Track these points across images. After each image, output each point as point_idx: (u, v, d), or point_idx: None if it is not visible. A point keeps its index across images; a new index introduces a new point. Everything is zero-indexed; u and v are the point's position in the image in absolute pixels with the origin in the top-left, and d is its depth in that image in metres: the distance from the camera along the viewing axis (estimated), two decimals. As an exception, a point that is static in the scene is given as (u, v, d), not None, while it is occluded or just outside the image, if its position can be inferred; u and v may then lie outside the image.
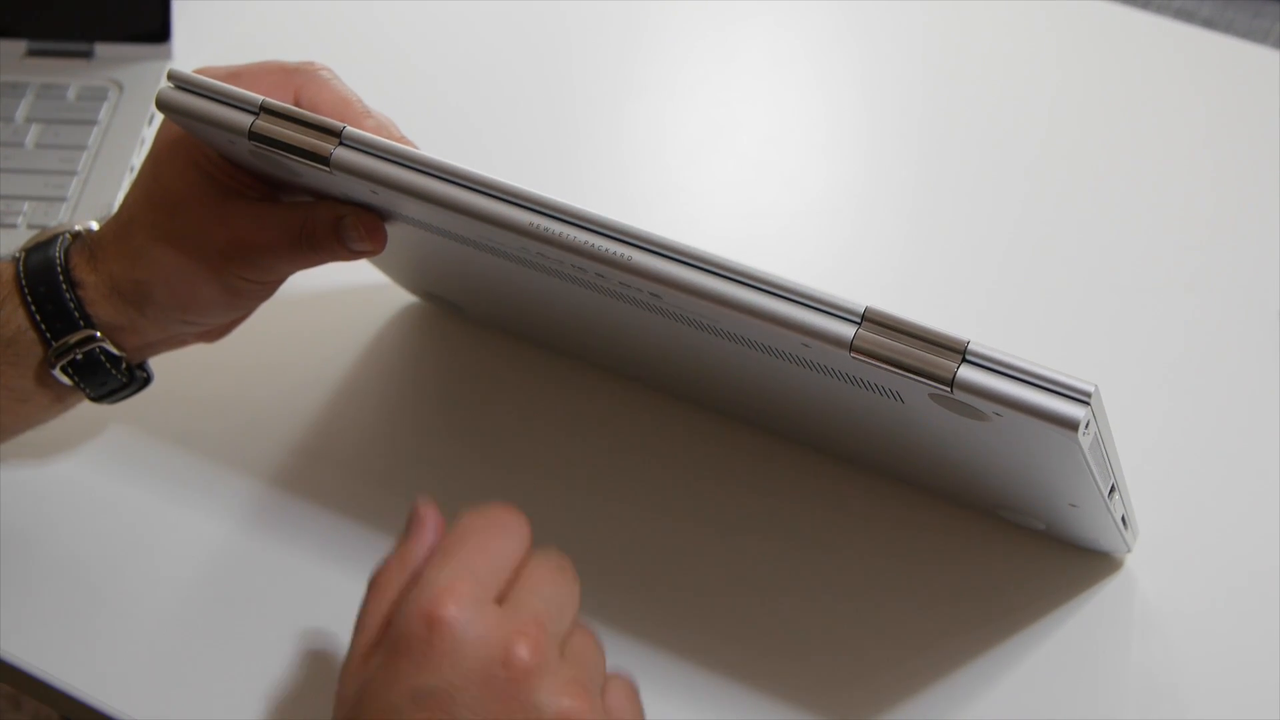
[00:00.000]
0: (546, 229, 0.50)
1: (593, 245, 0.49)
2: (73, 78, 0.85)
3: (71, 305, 0.59)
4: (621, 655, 0.61)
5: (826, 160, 0.84)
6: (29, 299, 0.59)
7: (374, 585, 0.51)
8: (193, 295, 0.59)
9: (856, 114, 0.87)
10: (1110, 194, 0.81)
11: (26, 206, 0.78)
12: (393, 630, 0.48)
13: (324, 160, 0.52)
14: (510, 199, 0.50)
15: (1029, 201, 0.81)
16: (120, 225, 0.59)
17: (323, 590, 0.64)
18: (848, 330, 0.47)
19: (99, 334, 0.59)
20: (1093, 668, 0.61)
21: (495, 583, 0.49)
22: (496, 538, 0.50)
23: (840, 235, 0.80)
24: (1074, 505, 0.57)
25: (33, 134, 0.82)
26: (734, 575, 0.64)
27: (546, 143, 0.84)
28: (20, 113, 0.83)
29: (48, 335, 0.59)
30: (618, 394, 0.70)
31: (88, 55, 0.86)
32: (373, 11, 0.92)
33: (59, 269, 0.59)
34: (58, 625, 0.63)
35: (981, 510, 0.65)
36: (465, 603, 0.47)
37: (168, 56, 0.86)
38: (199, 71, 0.55)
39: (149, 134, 0.82)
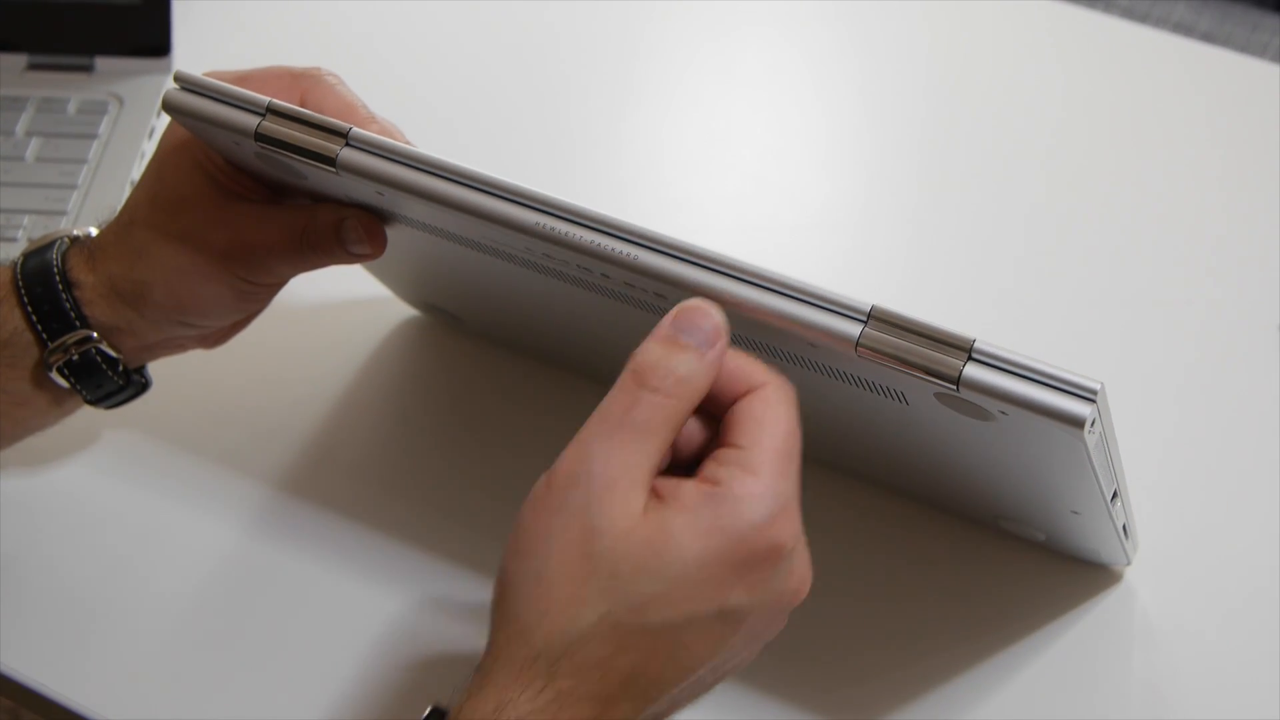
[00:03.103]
0: (552, 229, 0.50)
1: (598, 245, 0.49)
2: (73, 91, 0.85)
3: (68, 305, 0.59)
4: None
5: (827, 173, 0.84)
6: (25, 299, 0.59)
7: (642, 378, 0.46)
8: (192, 296, 0.58)
9: (857, 126, 0.87)
10: (1109, 208, 0.81)
11: (27, 220, 0.78)
12: (728, 528, 0.44)
13: (330, 161, 0.52)
14: (516, 199, 0.51)
15: (1028, 217, 0.81)
16: (121, 226, 0.60)
17: (326, 597, 0.64)
18: (854, 329, 0.47)
19: (95, 334, 0.59)
20: (1091, 679, 0.61)
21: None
22: (799, 444, 0.48)
23: (840, 249, 0.80)
24: (1076, 512, 0.57)
25: (33, 148, 0.82)
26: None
27: (543, 156, 0.84)
28: (20, 126, 0.83)
29: (44, 335, 0.59)
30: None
31: (88, 69, 0.86)
32: (371, 29, 0.92)
33: (56, 270, 0.59)
34: (58, 638, 0.63)
35: (982, 521, 0.65)
36: (797, 532, 0.46)
37: (168, 70, 0.86)
38: (205, 75, 0.56)
39: (149, 148, 0.82)
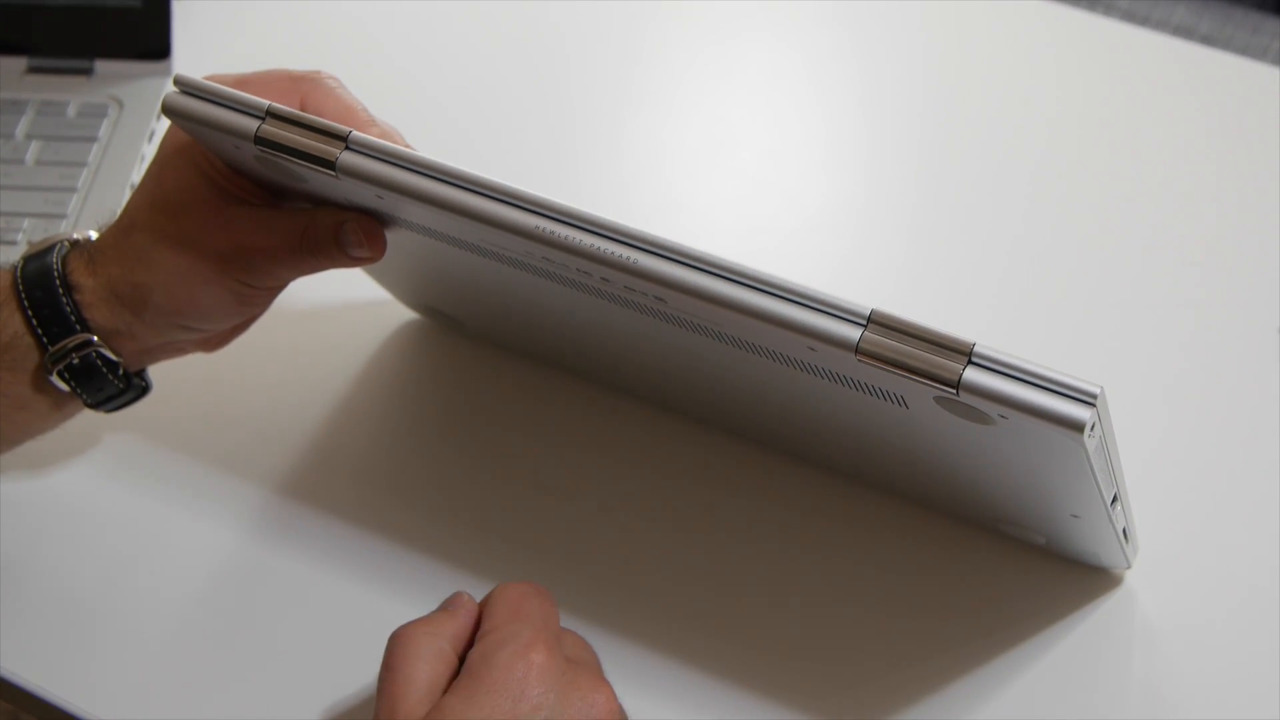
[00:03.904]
0: (552, 232, 0.50)
1: (598, 248, 0.49)
2: (73, 95, 0.85)
3: (68, 309, 0.59)
4: (627, 659, 0.61)
5: (826, 176, 0.84)
6: (25, 303, 0.59)
7: (403, 640, 0.54)
8: (191, 299, 0.58)
9: (857, 129, 0.88)
10: (1110, 209, 0.81)
11: (26, 223, 0.78)
12: (484, 674, 0.52)
13: (330, 165, 0.52)
14: (516, 203, 0.51)
15: (1029, 218, 0.81)
16: (121, 229, 0.60)
17: (326, 599, 0.64)
18: (853, 333, 0.47)
19: (95, 338, 0.59)
20: (1092, 682, 0.61)
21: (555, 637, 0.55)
22: (548, 604, 0.56)
23: (840, 250, 0.80)
24: (1076, 516, 0.57)
25: (33, 151, 0.82)
26: (734, 586, 0.64)
27: (545, 159, 0.84)
28: (20, 129, 0.83)
29: (44, 340, 0.59)
30: (615, 408, 0.70)
31: (88, 72, 0.86)
32: (373, 31, 0.92)
33: (56, 273, 0.59)
34: (58, 640, 0.62)
35: (982, 525, 0.65)
36: (552, 651, 0.53)
37: (168, 74, 0.86)
38: (206, 78, 0.56)
39: (149, 151, 0.82)
